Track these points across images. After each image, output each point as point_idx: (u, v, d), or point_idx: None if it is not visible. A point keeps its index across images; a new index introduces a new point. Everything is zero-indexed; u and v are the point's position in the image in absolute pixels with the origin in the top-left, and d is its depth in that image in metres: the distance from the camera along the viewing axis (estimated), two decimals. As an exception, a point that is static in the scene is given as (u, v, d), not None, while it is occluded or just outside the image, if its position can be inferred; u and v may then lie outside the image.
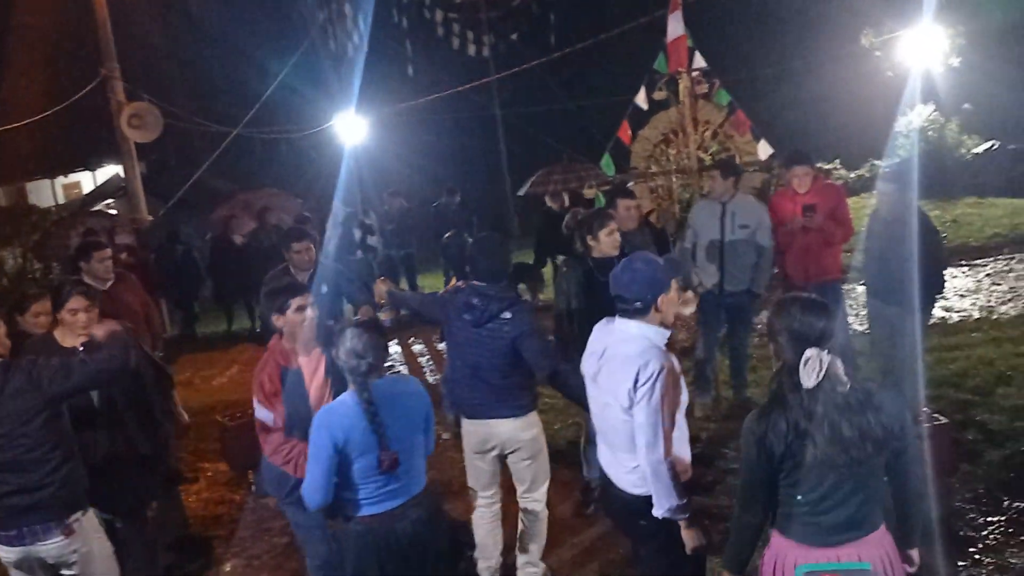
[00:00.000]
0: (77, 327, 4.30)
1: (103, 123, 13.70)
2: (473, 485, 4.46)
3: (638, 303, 3.14)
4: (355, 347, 3.19)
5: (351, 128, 16.37)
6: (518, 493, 4.44)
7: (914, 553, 2.90)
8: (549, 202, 10.63)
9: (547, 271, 11.01)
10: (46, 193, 25.84)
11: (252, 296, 11.98)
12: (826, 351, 2.62)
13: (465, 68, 19.10)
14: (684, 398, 3.17)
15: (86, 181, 27.00)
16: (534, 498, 4.38)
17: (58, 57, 14.13)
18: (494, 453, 4.35)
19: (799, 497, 2.70)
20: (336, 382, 3.64)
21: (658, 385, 3.02)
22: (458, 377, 4.34)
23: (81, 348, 4.27)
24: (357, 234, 10.97)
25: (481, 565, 4.46)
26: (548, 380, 4.23)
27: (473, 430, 4.33)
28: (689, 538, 3.13)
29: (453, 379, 4.42)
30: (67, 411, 3.80)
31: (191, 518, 5.83)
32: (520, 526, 4.45)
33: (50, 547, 3.59)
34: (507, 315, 4.12)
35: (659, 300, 3.13)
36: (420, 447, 3.34)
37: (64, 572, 3.73)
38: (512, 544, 4.51)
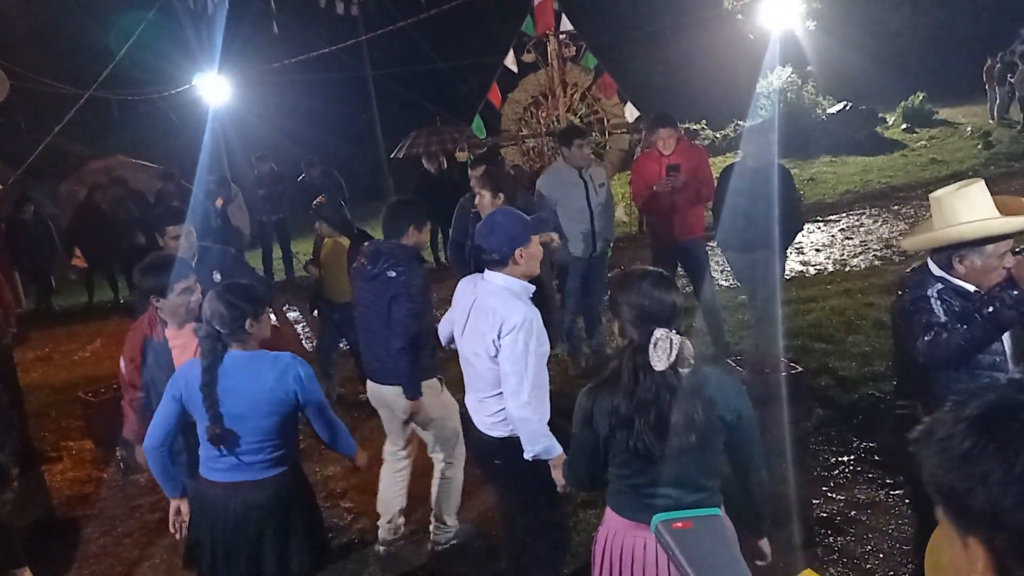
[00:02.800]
0: None
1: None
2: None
3: (495, 254, 3.21)
4: (205, 310, 3.13)
5: (214, 89, 15.71)
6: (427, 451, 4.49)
7: (763, 544, 2.78)
8: (426, 164, 10.58)
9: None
10: None
11: (114, 266, 11.49)
12: (674, 331, 2.44)
13: (334, 28, 18.58)
14: (545, 349, 3.24)
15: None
16: (439, 459, 4.42)
17: None
18: (390, 414, 4.38)
19: (627, 479, 2.58)
20: None
21: (521, 335, 3.10)
22: (360, 335, 4.41)
23: None
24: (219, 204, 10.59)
25: (380, 521, 4.51)
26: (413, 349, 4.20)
27: (371, 389, 4.38)
28: (557, 476, 3.23)
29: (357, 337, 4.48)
30: None
31: (55, 499, 5.62)
32: (433, 485, 4.48)
33: None
34: (391, 273, 4.12)
35: (516, 252, 3.20)
36: (268, 431, 3.15)
37: None
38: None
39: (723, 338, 6.51)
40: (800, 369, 5.46)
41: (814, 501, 4.46)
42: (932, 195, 2.99)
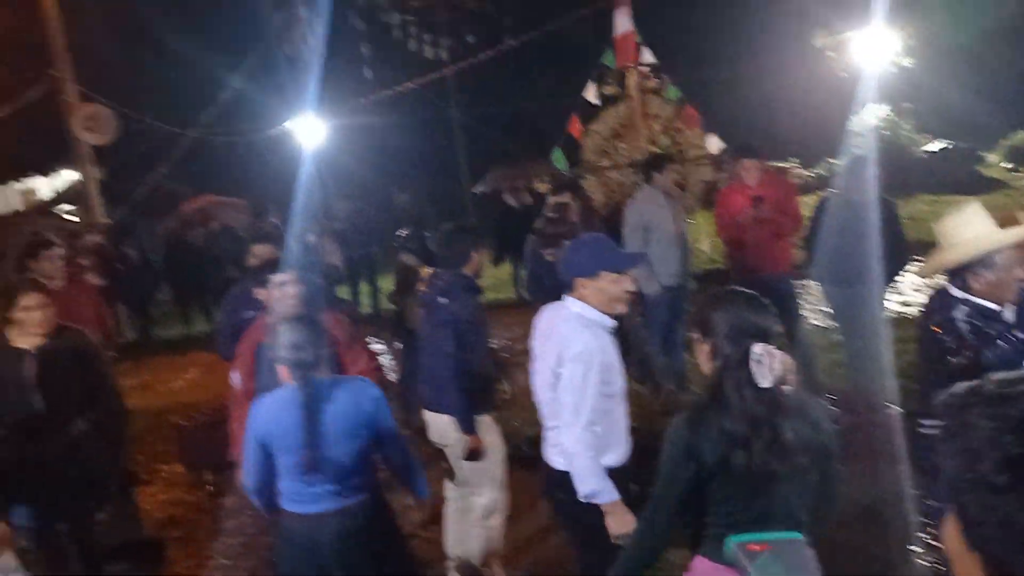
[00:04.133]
0: (31, 326, 4.20)
1: (57, 126, 13.49)
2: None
3: (563, 278, 3.21)
4: (295, 340, 3.10)
5: (308, 130, 16.25)
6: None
7: None
8: (507, 199, 10.66)
9: (505, 271, 11.07)
10: (8, 200, 25.30)
11: (208, 299, 11.91)
12: (775, 348, 2.36)
13: (421, 70, 19.07)
14: (612, 387, 3.14)
15: (43, 187, 26.48)
16: (465, 492, 4.28)
17: (7, 57, 13.87)
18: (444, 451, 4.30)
19: (729, 516, 2.41)
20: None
21: (580, 366, 3.03)
22: (414, 364, 4.40)
23: (34, 351, 4.22)
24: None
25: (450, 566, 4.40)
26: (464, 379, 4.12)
27: (427, 419, 4.32)
28: (611, 524, 3.08)
29: (412, 367, 4.45)
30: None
31: (146, 520, 5.75)
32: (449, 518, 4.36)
33: None
34: (442, 300, 4.12)
35: (576, 280, 3.16)
36: (358, 455, 3.16)
37: None
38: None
39: (816, 377, 6.27)
40: (896, 410, 5.23)
41: (910, 549, 4.23)
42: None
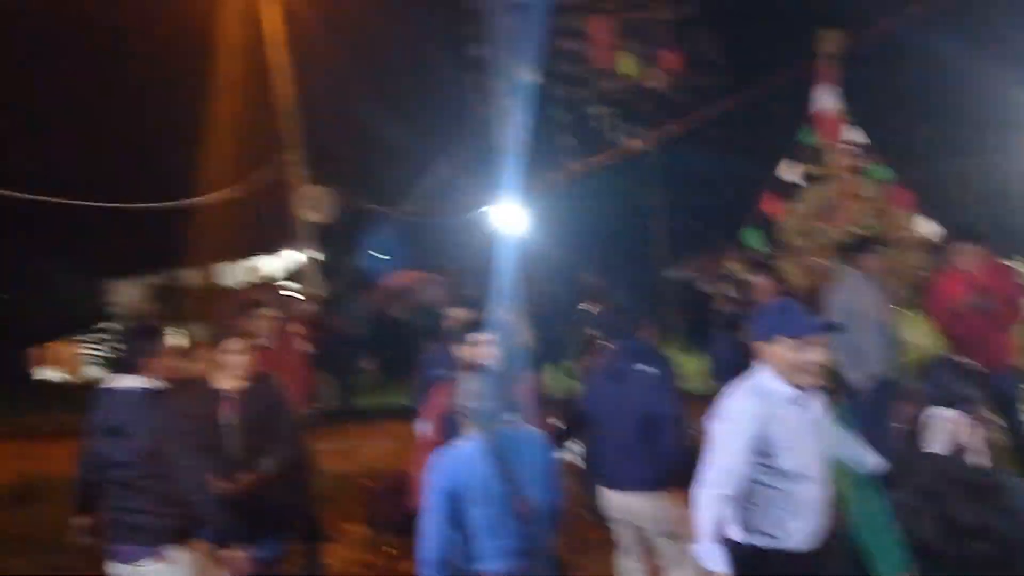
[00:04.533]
0: (231, 368, 4.56)
1: (285, 209, 14.79)
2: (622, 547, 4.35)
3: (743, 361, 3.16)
4: (483, 390, 3.14)
5: (507, 214, 16.83)
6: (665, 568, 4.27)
7: None
8: (702, 285, 10.46)
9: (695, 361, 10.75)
10: (236, 276, 27.84)
11: (406, 371, 12.38)
12: (961, 414, 2.19)
13: (622, 158, 19.37)
14: (795, 464, 2.96)
15: (269, 265, 28.96)
16: None
17: (247, 143, 15.47)
18: (628, 523, 4.22)
19: None
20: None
21: (725, 424, 3.00)
22: (597, 442, 4.28)
23: (234, 393, 4.55)
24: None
25: None
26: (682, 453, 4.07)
27: (612, 498, 4.22)
28: None
29: (594, 446, 4.35)
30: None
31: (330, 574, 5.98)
32: None
33: (145, 571, 3.73)
34: (645, 369, 4.06)
35: (756, 347, 3.09)
36: (540, 503, 3.14)
37: None
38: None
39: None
40: None
41: None
42: None
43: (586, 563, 5.54)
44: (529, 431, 3.29)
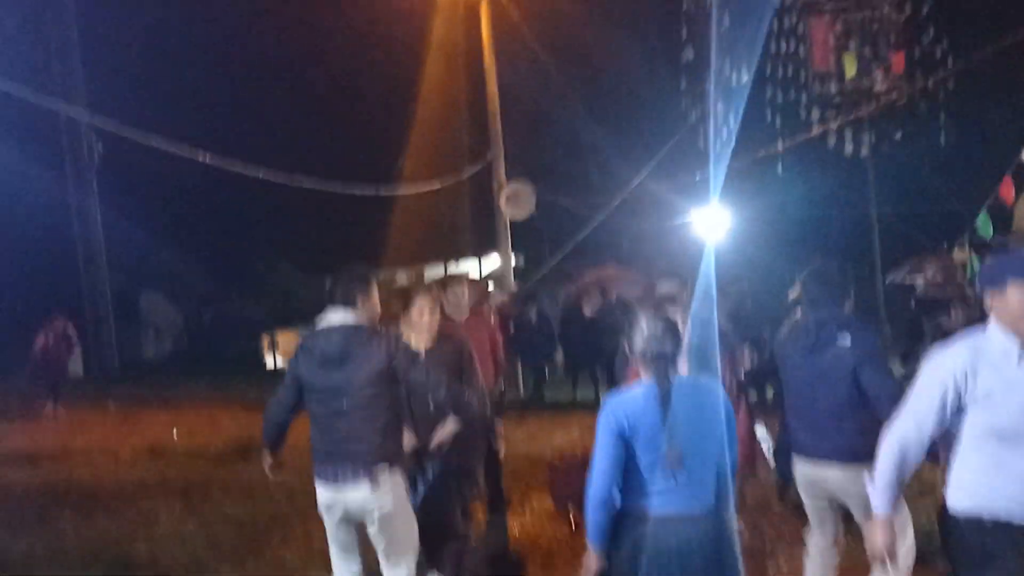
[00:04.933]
0: (421, 328, 4.75)
1: (485, 210, 15.24)
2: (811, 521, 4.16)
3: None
4: (653, 331, 3.09)
5: (710, 221, 16.42)
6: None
7: None
8: (920, 288, 9.67)
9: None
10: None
11: (596, 367, 12.33)
12: None
13: (838, 165, 18.45)
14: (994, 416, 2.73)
15: (471, 267, 29.95)
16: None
17: (450, 143, 16.11)
18: (823, 498, 3.99)
19: None
20: None
21: (928, 368, 2.89)
22: (795, 413, 4.07)
23: (423, 352, 4.68)
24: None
25: None
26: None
27: (806, 471, 4.00)
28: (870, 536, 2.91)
29: (792, 417, 4.14)
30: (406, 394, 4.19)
31: (512, 542, 6.08)
32: None
33: (357, 494, 3.86)
34: (845, 340, 3.79)
35: (987, 298, 2.84)
36: (711, 459, 3.04)
37: (369, 529, 3.98)
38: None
39: None
40: None
41: None
42: None
43: (775, 551, 5.32)
44: (709, 384, 3.18)
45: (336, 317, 3.95)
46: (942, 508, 2.89)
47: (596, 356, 11.90)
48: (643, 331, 3.11)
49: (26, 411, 13.17)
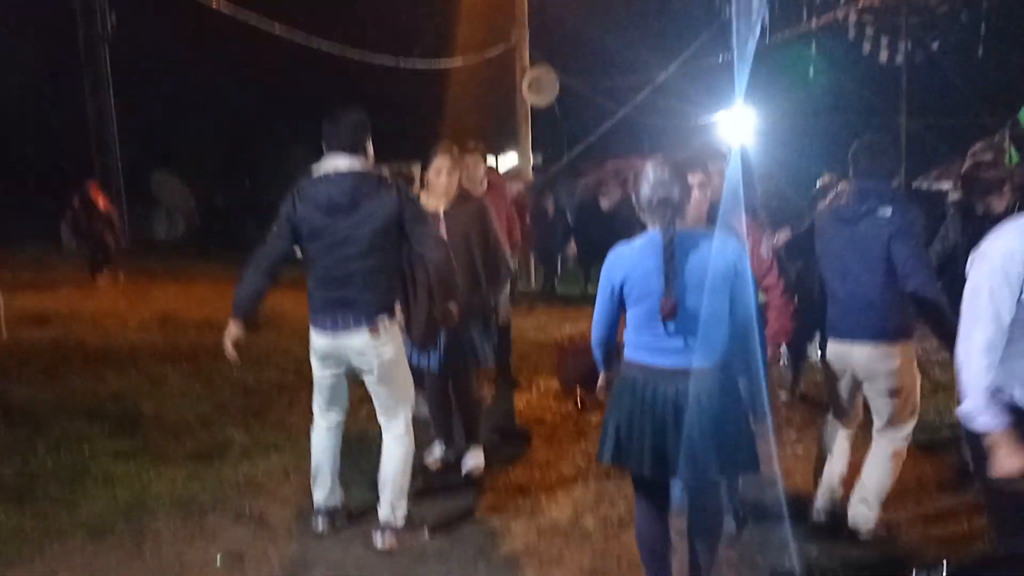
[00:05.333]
0: (438, 190, 4.63)
1: (508, 107, 14.81)
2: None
3: None
4: (660, 177, 2.95)
5: (737, 122, 16.04)
6: (874, 427, 3.92)
7: None
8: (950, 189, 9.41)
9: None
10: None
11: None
12: None
13: (871, 73, 17.84)
14: None
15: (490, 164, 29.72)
16: (894, 436, 3.86)
17: (478, 23, 15.59)
18: (848, 378, 3.88)
19: None
20: None
21: (980, 262, 2.64)
22: (823, 288, 3.94)
23: (441, 213, 4.59)
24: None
25: (820, 491, 4.06)
26: (917, 304, 3.64)
27: (836, 350, 3.88)
28: (993, 461, 2.54)
29: (821, 293, 4.01)
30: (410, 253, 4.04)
31: (517, 415, 6.11)
32: (869, 463, 3.93)
33: (356, 341, 3.77)
34: (885, 211, 3.62)
35: None
36: (716, 313, 2.93)
37: (366, 378, 3.92)
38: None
39: None
40: None
41: None
42: None
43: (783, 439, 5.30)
44: (722, 239, 3.01)
45: (341, 163, 3.75)
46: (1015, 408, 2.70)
47: (607, 249, 11.76)
48: (649, 178, 2.99)
49: (32, 276, 13.17)
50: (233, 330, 3.81)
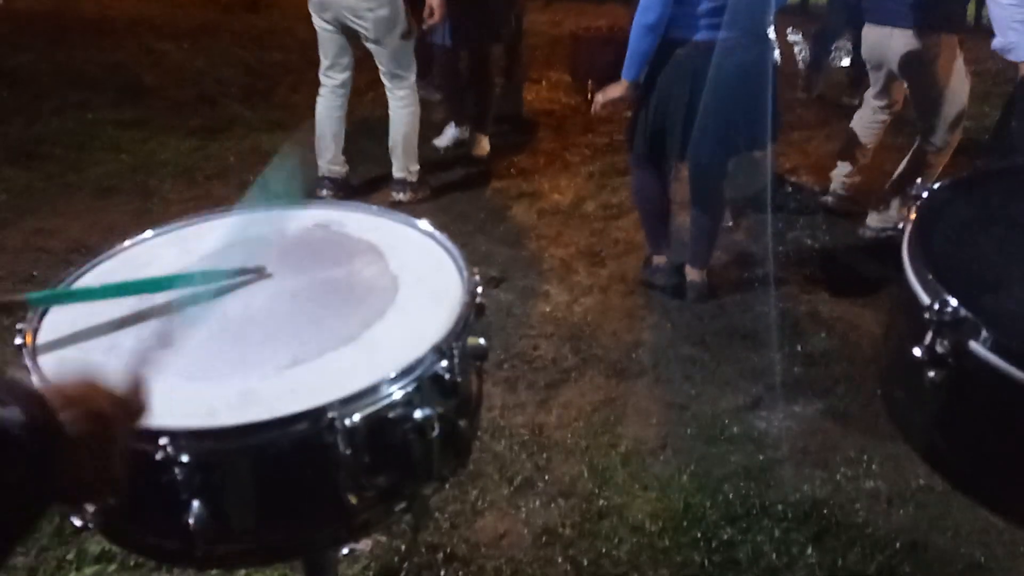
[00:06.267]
0: None
1: None
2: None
3: None
4: None
5: None
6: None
7: None
8: None
9: None
10: None
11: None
12: None
13: None
14: None
15: None
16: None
17: None
18: (886, 70, 3.76)
19: None
20: None
21: None
22: None
23: None
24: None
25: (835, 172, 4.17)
26: None
27: (868, 35, 3.75)
28: None
29: None
30: None
31: (526, 106, 5.96)
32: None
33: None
34: None
35: None
36: None
37: (367, 39, 3.86)
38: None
39: None
40: None
41: None
42: None
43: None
44: None
45: None
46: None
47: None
48: None
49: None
50: None
